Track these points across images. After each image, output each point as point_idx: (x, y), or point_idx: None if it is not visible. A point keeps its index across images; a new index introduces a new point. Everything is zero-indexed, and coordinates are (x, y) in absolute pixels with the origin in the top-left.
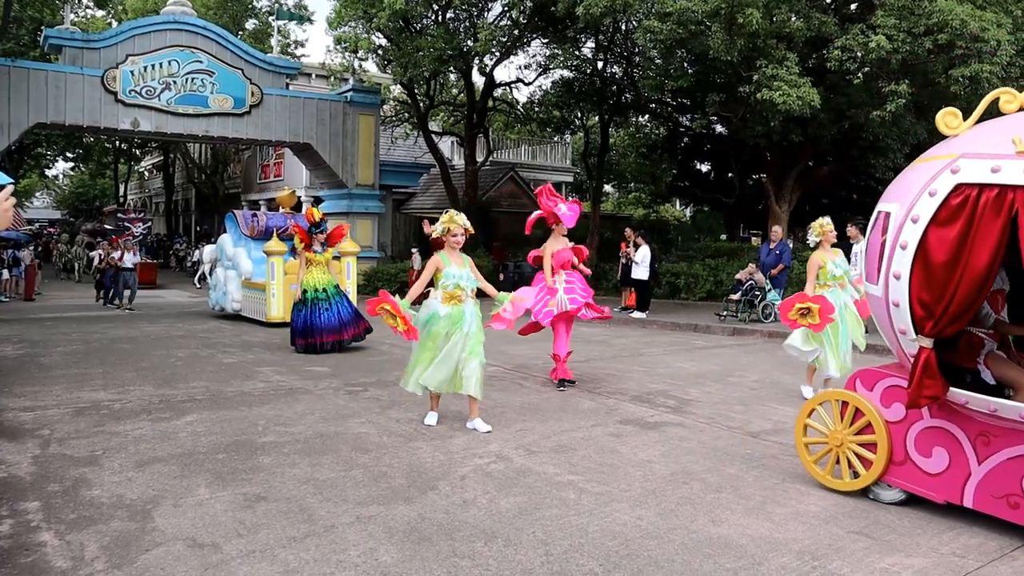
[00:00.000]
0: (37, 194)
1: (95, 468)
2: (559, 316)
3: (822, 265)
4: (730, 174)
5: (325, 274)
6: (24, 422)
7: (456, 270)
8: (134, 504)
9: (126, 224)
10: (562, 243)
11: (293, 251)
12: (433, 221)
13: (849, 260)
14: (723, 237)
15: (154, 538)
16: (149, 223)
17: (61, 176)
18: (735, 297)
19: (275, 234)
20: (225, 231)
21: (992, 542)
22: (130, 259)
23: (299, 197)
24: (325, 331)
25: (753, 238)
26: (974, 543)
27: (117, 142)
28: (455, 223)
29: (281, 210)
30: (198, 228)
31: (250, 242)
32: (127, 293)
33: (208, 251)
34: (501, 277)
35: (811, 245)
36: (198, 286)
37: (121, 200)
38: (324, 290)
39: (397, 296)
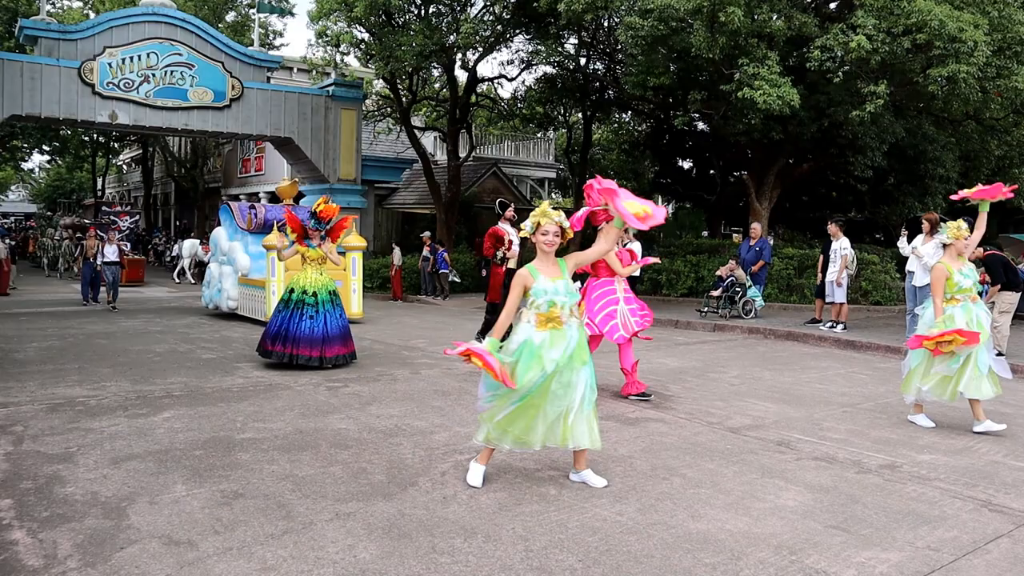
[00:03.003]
0: (12, 187)
1: (69, 465)
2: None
3: (949, 276)
4: (712, 171)
5: (321, 275)
6: None
7: (549, 283)
8: (109, 502)
9: (112, 218)
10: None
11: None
12: (505, 206)
13: (828, 258)
14: (704, 234)
15: (129, 536)
16: (137, 217)
17: (37, 169)
18: (716, 293)
19: (275, 227)
20: (218, 224)
21: (966, 536)
22: (112, 252)
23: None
24: (302, 342)
25: (734, 235)
26: (949, 537)
27: (95, 135)
28: (547, 218)
29: (282, 201)
30: (178, 223)
31: (247, 236)
32: (101, 289)
33: (188, 246)
34: (484, 273)
35: (940, 246)
36: (177, 281)
37: (99, 194)
38: (313, 293)
39: (484, 341)
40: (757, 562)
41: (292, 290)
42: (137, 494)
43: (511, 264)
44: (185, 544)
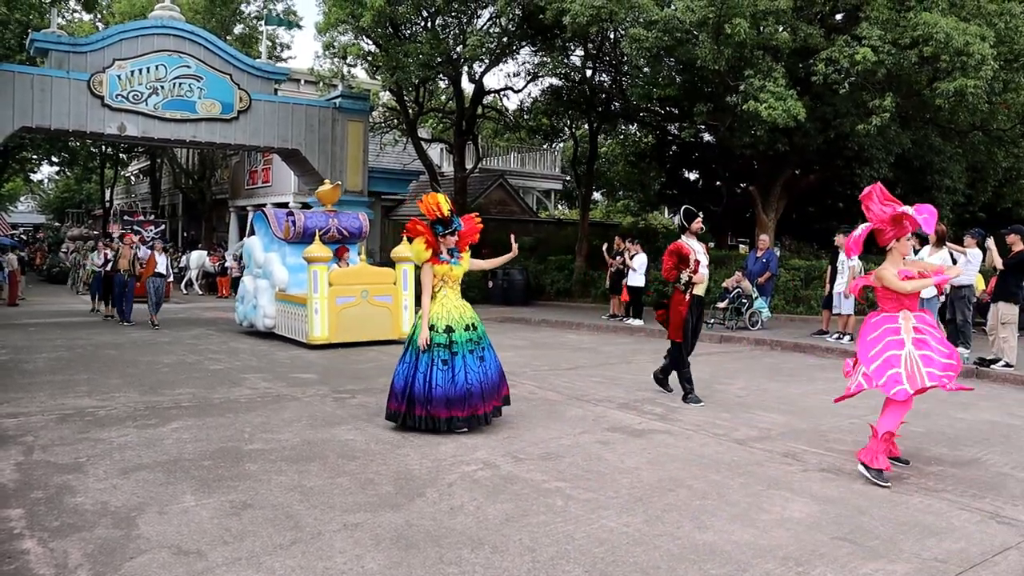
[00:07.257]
0: (22, 198)
1: (79, 475)
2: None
3: None
4: (718, 182)
5: (463, 302)
6: (7, 429)
7: None
8: (119, 511)
9: (135, 227)
10: (901, 267)
11: (337, 258)
12: (692, 216)
13: (836, 269)
14: (711, 245)
15: (139, 545)
16: (162, 226)
17: (46, 180)
18: (722, 305)
19: (316, 236)
20: (252, 232)
21: (974, 548)
22: (162, 262)
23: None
24: (487, 394)
25: (741, 246)
26: (956, 549)
27: (104, 147)
28: None
29: (323, 207)
30: (185, 234)
31: (284, 246)
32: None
33: (195, 257)
34: (490, 285)
35: None
36: (185, 292)
37: (108, 205)
38: (472, 326)
39: None
40: (763, 573)
41: (450, 328)
42: (146, 504)
43: (698, 290)
44: (194, 554)
